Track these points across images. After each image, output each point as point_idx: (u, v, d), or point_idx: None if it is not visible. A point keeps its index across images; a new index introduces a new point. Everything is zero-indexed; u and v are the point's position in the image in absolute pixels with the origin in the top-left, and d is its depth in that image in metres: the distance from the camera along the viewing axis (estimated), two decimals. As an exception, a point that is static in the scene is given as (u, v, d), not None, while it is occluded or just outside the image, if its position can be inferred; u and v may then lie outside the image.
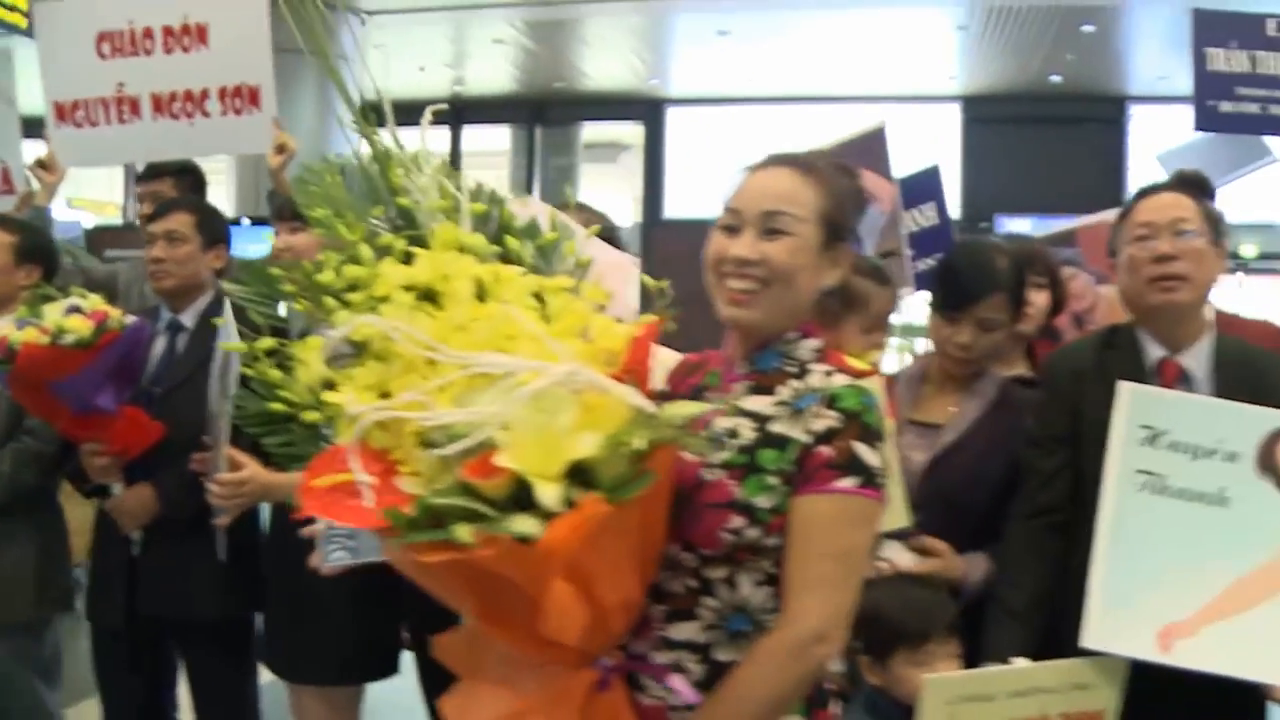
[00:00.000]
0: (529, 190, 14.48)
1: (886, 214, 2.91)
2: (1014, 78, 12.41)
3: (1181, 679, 1.78)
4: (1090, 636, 1.80)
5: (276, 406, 1.36)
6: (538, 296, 1.35)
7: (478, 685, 1.40)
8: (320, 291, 1.37)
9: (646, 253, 12.88)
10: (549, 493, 1.10)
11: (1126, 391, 1.87)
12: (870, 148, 3.06)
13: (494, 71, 12.88)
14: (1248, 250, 12.15)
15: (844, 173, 1.53)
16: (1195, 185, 2.79)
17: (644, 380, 1.29)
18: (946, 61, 12.00)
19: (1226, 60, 3.17)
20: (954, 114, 13.75)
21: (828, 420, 1.38)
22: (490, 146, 14.98)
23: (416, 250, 1.36)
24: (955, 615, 1.87)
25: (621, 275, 1.87)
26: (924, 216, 3.23)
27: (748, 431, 1.40)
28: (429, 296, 1.32)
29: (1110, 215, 3.02)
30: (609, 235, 2.45)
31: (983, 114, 13.45)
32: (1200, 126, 3.17)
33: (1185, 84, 12.01)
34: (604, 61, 12.35)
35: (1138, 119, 13.32)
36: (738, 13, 10.40)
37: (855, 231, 1.53)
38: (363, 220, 1.43)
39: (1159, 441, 1.85)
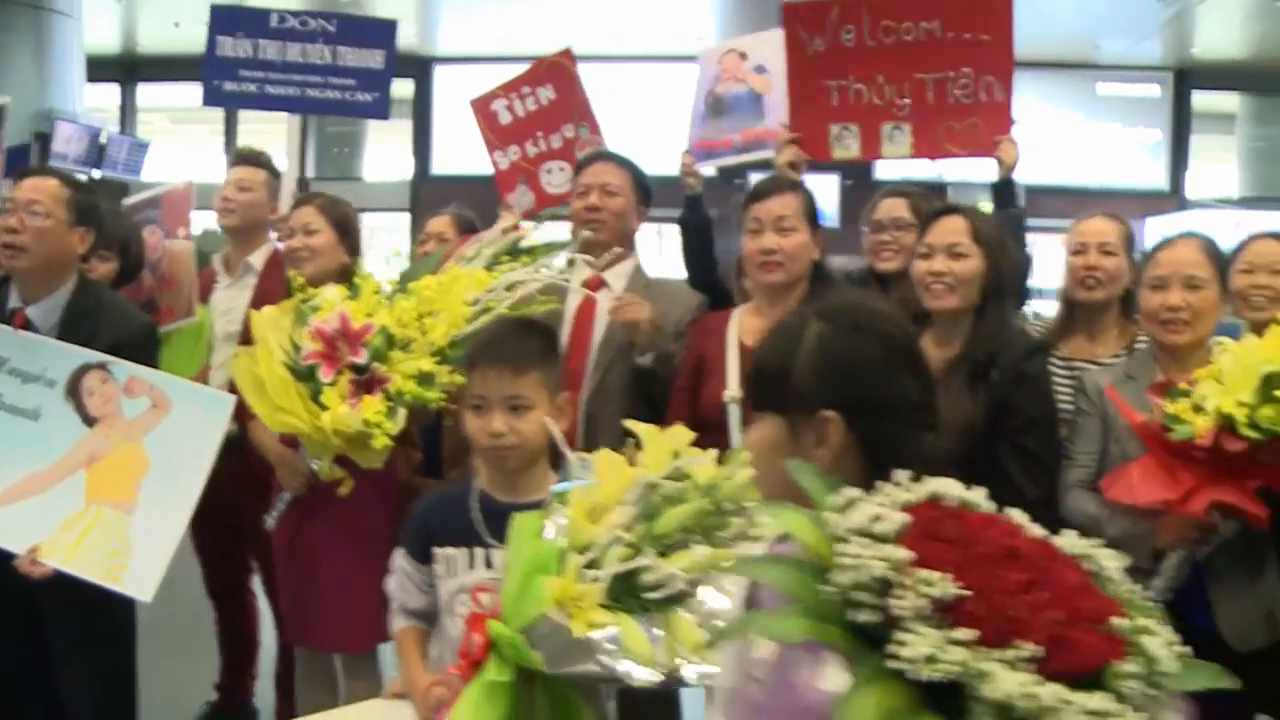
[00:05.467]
0: (304, 146, 14.49)
1: None
2: (763, 39, 12.75)
3: None
4: None
5: None
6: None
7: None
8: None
9: (415, 207, 13.13)
10: None
11: None
12: None
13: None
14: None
15: None
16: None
17: None
18: (695, 23, 12.36)
19: (234, 47, 3.74)
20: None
21: None
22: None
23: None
24: None
25: None
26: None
27: None
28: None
29: (176, 186, 3.44)
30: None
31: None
32: (208, 102, 3.81)
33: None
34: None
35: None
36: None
37: None
38: None
39: (3, 367, 2.58)
